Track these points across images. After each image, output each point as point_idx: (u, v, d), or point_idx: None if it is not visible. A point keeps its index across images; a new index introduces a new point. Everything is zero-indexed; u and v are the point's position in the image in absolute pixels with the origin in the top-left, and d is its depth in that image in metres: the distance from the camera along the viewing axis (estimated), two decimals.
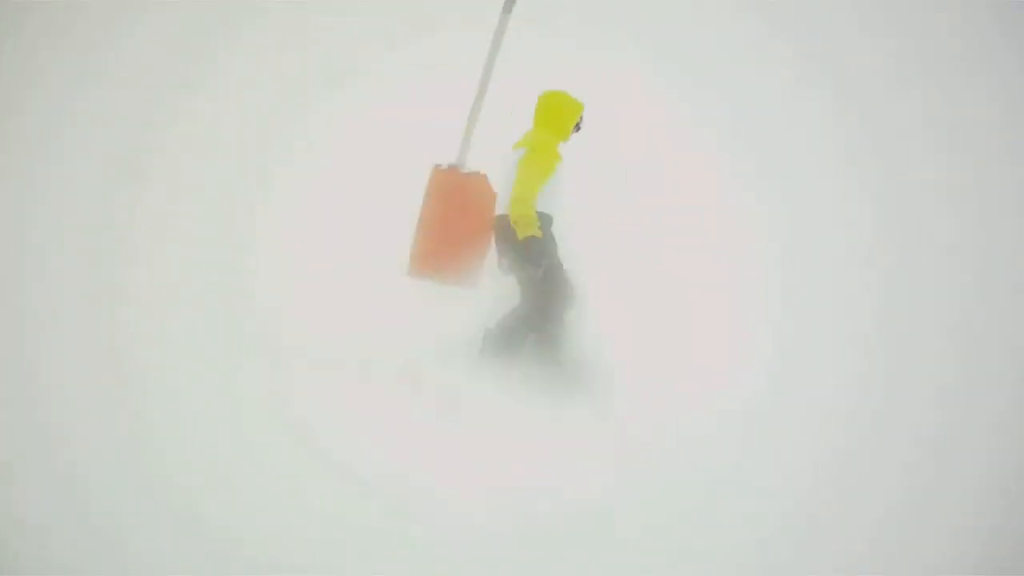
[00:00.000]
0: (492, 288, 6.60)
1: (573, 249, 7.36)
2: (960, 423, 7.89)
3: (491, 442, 7.57)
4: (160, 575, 6.65)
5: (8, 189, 9.40)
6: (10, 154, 9.69)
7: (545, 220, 6.59)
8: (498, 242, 6.46)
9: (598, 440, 7.53)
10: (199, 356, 8.10)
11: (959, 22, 11.38)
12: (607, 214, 9.44)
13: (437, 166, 6.63)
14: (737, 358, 8.33)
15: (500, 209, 6.54)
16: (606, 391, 6.33)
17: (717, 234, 9.30)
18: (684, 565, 6.91)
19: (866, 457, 7.64)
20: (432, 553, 6.90)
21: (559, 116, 6.69)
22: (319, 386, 7.87)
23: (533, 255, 6.42)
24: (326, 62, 10.55)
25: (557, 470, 7.31)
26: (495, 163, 7.23)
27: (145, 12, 10.99)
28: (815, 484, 7.46)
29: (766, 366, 8.27)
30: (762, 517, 7.18)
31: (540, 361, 6.31)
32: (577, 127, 6.70)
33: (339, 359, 6.87)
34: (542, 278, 6.23)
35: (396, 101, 10.30)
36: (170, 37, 10.82)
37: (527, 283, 6.28)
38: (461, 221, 6.35)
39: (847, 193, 9.75)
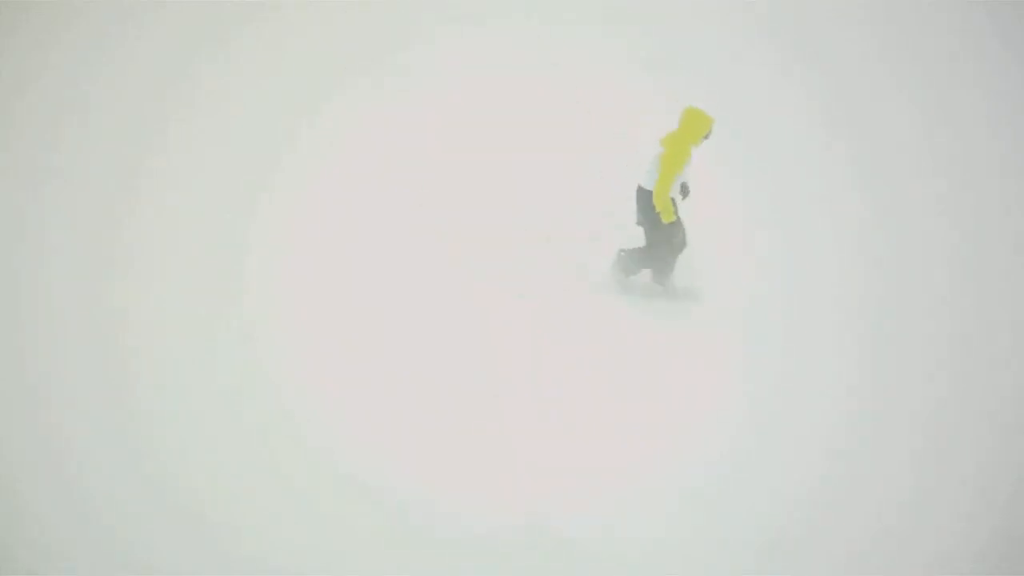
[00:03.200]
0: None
1: None
2: (960, 424, 7.89)
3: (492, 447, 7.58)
4: (158, 573, 6.66)
5: (9, 187, 9.38)
6: (11, 151, 9.68)
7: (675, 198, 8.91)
8: (638, 204, 8.73)
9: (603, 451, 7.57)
10: (200, 353, 8.09)
11: (949, 17, 11.39)
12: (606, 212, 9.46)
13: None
14: (737, 363, 8.35)
15: (642, 184, 8.68)
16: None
17: (716, 238, 9.31)
18: (683, 566, 6.93)
19: (866, 458, 7.64)
20: (431, 553, 6.90)
21: (693, 126, 8.51)
22: (320, 385, 7.87)
23: (674, 233, 8.80)
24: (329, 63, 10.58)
25: (567, 484, 7.33)
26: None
27: (143, 13, 10.98)
28: (814, 485, 7.47)
29: (766, 373, 8.29)
30: (764, 518, 7.18)
31: (655, 282, 8.94)
32: (707, 135, 8.58)
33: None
34: (667, 235, 8.80)
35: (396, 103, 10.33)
36: (169, 38, 10.82)
37: (651, 233, 8.76)
38: None
39: (845, 194, 9.77)
